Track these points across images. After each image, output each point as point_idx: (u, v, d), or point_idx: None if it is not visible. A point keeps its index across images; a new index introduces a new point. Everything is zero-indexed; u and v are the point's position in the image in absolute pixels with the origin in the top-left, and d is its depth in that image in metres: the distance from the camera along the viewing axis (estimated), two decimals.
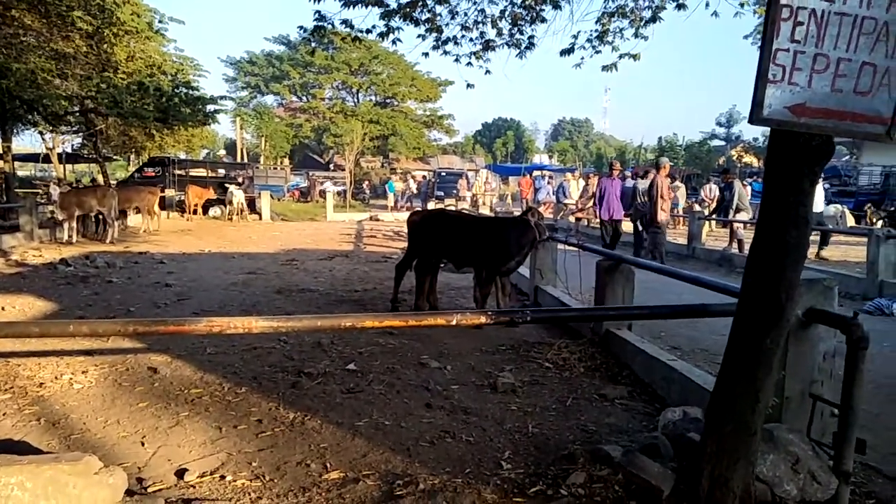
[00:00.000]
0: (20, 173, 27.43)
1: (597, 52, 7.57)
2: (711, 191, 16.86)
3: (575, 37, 7.55)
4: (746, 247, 11.83)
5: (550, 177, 30.00)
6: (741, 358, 2.40)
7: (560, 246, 7.65)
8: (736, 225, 12.21)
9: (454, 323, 3.01)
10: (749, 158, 36.69)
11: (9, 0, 11.94)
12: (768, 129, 2.30)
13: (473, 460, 3.22)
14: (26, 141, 26.65)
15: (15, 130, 20.13)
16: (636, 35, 7.30)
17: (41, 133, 21.20)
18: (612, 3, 7.15)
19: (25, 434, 3.49)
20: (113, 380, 4.42)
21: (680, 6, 6.92)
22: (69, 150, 25.04)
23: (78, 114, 18.96)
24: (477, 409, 3.93)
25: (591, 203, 18.48)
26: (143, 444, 3.39)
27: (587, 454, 3.10)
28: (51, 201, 13.01)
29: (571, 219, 17.52)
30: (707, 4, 6.80)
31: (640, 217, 11.88)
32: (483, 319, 3.13)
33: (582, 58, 7.56)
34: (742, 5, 6.79)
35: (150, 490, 2.89)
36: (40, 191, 15.15)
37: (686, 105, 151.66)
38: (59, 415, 3.77)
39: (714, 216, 13.84)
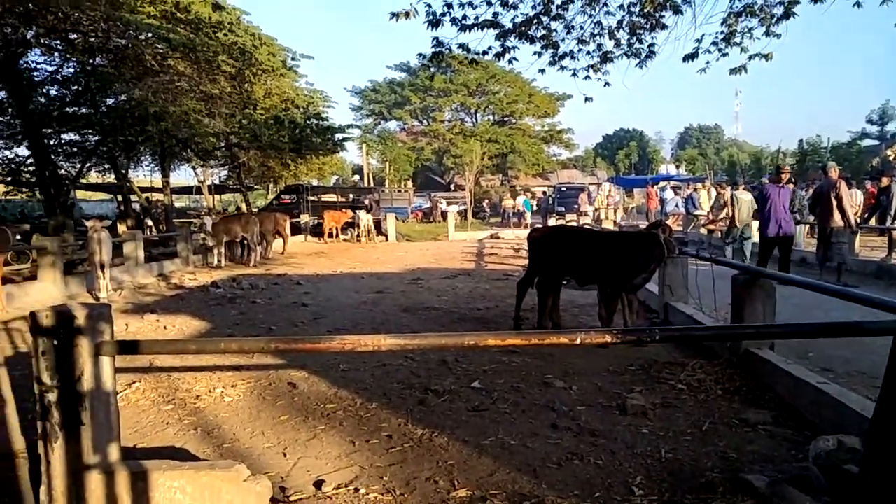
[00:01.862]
0: (177, 204, 30.53)
1: (723, 54, 7.19)
2: (855, 196, 15.23)
3: (699, 41, 7.24)
4: None
5: (675, 187, 28.68)
6: None
7: (691, 260, 7.28)
8: None
9: (578, 342, 2.95)
10: None
11: (165, 50, 13.41)
12: None
13: (603, 484, 3.13)
14: (181, 175, 29.60)
15: (172, 166, 22.50)
16: (767, 34, 6.85)
17: (193, 167, 23.53)
18: (738, 3, 6.77)
19: (185, 442, 3.84)
20: (258, 394, 4.76)
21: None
22: (217, 181, 27.55)
23: (224, 148, 20.85)
24: (605, 432, 3.82)
25: (723, 214, 17.44)
26: (284, 454, 3.62)
27: (727, 483, 2.91)
28: (204, 230, 14.31)
29: (703, 231, 16.61)
30: None
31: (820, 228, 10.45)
32: (608, 338, 3.04)
33: (707, 62, 7.21)
34: None
35: (291, 499, 3.08)
36: (194, 220, 16.72)
37: (829, 103, 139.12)
38: (212, 425, 4.12)
39: (867, 223, 12.50)
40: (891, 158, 32.90)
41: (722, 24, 7.04)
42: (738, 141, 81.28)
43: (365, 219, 22.45)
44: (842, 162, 32.60)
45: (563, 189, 33.64)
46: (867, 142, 43.19)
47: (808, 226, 13.00)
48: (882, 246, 12.31)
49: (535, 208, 32.59)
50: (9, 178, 17.18)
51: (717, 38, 7.15)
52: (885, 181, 11.84)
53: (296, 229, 22.78)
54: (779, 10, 6.73)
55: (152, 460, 2.93)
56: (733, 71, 7.04)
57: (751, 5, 6.80)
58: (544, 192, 39.13)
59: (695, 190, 20.48)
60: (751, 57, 6.96)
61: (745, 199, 13.84)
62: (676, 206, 22.46)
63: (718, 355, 5.22)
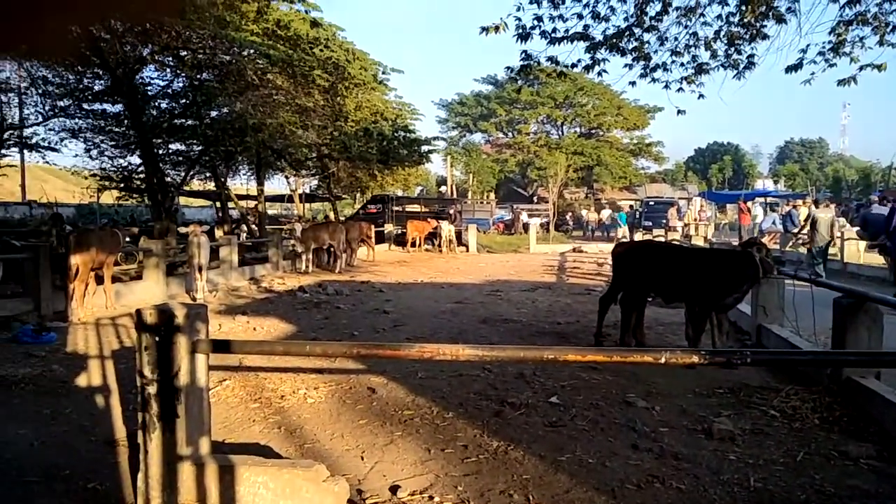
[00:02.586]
0: (270, 212, 31.94)
1: (831, 65, 6.78)
2: None
3: (804, 51, 6.85)
4: None
5: (773, 204, 27.16)
6: None
7: (788, 281, 6.87)
8: None
9: (663, 361, 2.85)
10: None
11: (265, 65, 14.11)
12: None
13: None
14: (275, 184, 30.99)
15: (267, 175, 23.57)
16: (881, 43, 6.40)
17: (286, 177, 24.54)
18: (849, 11, 6.36)
19: (269, 440, 4.00)
20: (338, 397, 4.89)
21: None
22: (307, 191, 28.63)
23: (315, 159, 21.62)
24: (689, 456, 3.66)
25: (796, 230, 16.44)
26: (362, 458, 3.70)
27: None
28: (293, 236, 14.89)
29: (802, 250, 15.66)
30: None
31: None
32: (695, 359, 2.92)
33: (812, 73, 6.82)
34: None
35: (367, 502, 3.14)
36: (285, 227, 17.41)
37: None
38: (295, 425, 4.27)
39: None
40: None
41: (830, 32, 6.64)
42: (844, 156, 76.25)
43: (447, 229, 22.65)
44: None
45: (651, 203, 32.65)
46: None
47: None
48: None
49: (593, 222, 31.74)
50: (122, 185, 18.52)
51: (823, 47, 6.75)
52: None
53: (380, 238, 23.30)
54: (895, 18, 6.29)
55: (239, 455, 3.07)
56: (841, 82, 6.62)
57: (863, 13, 6.37)
58: (631, 206, 38.10)
59: (794, 207, 19.37)
60: (861, 67, 6.52)
61: (824, 217, 12.94)
62: (774, 223, 21.29)
63: (816, 382, 4.90)
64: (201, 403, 2.99)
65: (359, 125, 19.21)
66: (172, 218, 15.84)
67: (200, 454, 2.94)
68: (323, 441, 3.98)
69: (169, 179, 17.81)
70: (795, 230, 17.22)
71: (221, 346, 3.13)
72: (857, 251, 15.50)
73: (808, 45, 6.86)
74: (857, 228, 16.25)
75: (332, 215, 25.34)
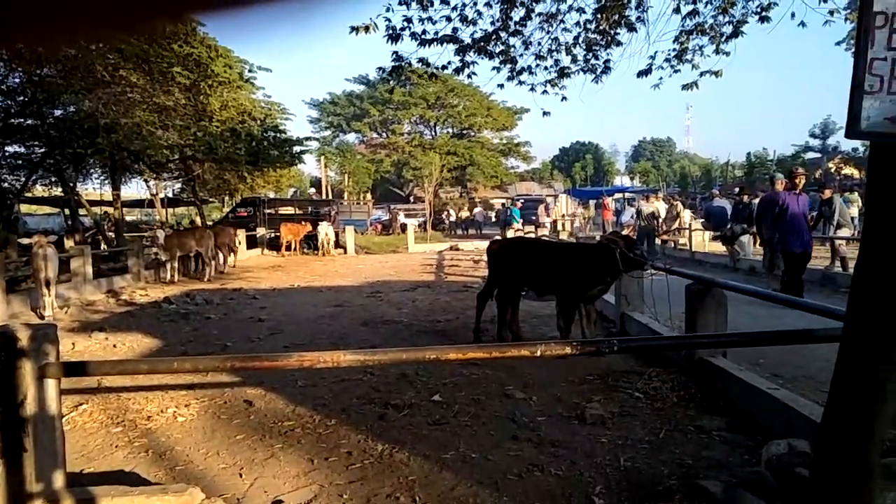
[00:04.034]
0: (128, 218, 29.68)
1: (676, 71, 7.40)
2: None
3: (652, 57, 7.41)
4: (851, 265, 11.02)
5: (628, 199, 29.24)
6: (851, 387, 2.23)
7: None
8: (838, 242, 11.43)
9: (538, 354, 2.97)
10: (849, 170, 34.42)
11: (117, 60, 13.06)
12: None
13: (564, 495, 3.14)
14: (133, 188, 28.83)
15: (123, 179, 21.88)
16: (717, 52, 7.09)
17: (146, 180, 22.89)
18: (689, 22, 6.98)
19: (135, 465, 3.71)
20: (212, 413, 4.63)
21: (763, 18, 6.67)
22: (170, 194, 26.90)
23: (178, 161, 20.38)
24: (565, 442, 3.84)
25: (675, 224, 17.94)
26: (240, 475, 3.52)
27: (684, 489, 2.96)
28: (156, 244, 13.92)
29: (658, 241, 17.02)
30: (793, 15, 6.50)
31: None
32: (568, 350, 3.07)
33: (660, 78, 7.40)
34: (832, 13, 6.44)
35: None
36: (146, 234, 16.24)
37: (775, 117, 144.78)
38: (164, 446, 3.99)
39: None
40: (832, 171, 34.37)
41: (674, 41, 7.25)
42: (689, 154, 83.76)
43: (324, 231, 22.24)
44: (787, 174, 33.90)
45: (522, 201, 34.08)
46: (810, 154, 45.09)
47: (754, 236, 13.44)
48: (825, 255, 12.80)
49: (494, 219, 32.74)
50: None
51: (669, 55, 7.35)
52: (826, 193, 12.31)
53: (252, 243, 22.42)
54: (728, 29, 6.97)
55: (100, 486, 2.81)
56: (685, 87, 7.24)
57: (701, 24, 7.01)
58: (503, 204, 39.47)
59: (644, 201, 20.93)
60: (701, 74, 7.18)
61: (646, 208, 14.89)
62: (632, 216, 22.95)
63: (674, 363, 5.32)
64: (53, 433, 2.70)
65: (225, 125, 18.33)
66: (12, 228, 14.27)
67: (54, 489, 2.66)
68: (197, 461, 3.75)
69: (7, 185, 16.04)
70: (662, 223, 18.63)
71: (75, 369, 2.85)
72: (702, 241, 17.07)
73: (655, 53, 7.44)
74: (702, 220, 17.92)
75: (198, 220, 24.04)
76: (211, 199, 32.13)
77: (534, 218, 27.52)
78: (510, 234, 23.14)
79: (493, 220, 35.66)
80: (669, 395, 4.67)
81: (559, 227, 27.42)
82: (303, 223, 23.29)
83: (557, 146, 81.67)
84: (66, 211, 21.05)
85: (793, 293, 7.99)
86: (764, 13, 6.68)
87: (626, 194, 38.85)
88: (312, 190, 47.32)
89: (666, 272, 6.49)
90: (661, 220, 17.62)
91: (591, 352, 4.91)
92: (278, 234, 22.55)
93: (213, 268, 14.96)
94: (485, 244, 14.32)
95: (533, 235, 20.37)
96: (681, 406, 4.47)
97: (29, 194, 18.54)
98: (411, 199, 48.58)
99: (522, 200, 31.57)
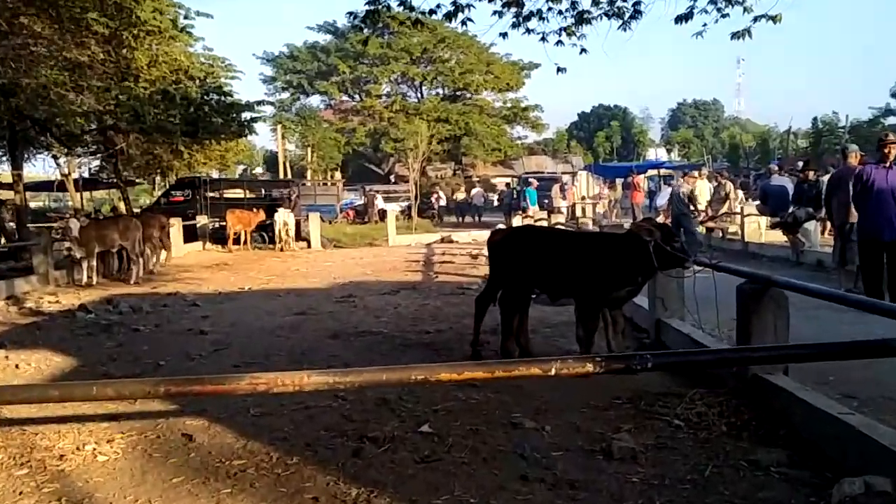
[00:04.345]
0: (32, 204, 29.51)
1: (723, 15, 7.42)
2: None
3: None
4: None
5: (664, 176, 29.34)
6: None
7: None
8: None
9: (553, 373, 2.99)
10: None
11: (16, 5, 12.98)
12: None
13: None
14: (38, 167, 28.68)
15: (26, 156, 21.75)
16: None
17: (55, 157, 22.78)
18: None
19: None
20: (142, 450, 4.62)
21: None
22: (86, 174, 26.76)
23: (96, 132, 20.28)
24: (587, 482, 3.86)
25: (724, 209, 18.00)
26: None
27: None
28: (69, 237, 13.83)
29: (701, 230, 17.11)
30: None
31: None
32: (590, 367, 3.09)
33: (704, 24, 7.45)
34: None
35: None
36: (56, 225, 16.16)
37: (848, 75, 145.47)
38: (82, 493, 3.98)
39: None
40: None
41: None
42: (740, 119, 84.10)
43: (283, 220, 22.20)
44: (863, 144, 34.08)
45: (531, 180, 34.13)
46: (892, 119, 45.23)
47: (822, 222, 13.53)
48: None
49: (496, 203, 32.83)
50: None
51: None
52: None
53: (191, 235, 22.37)
54: None
55: None
56: (735, 35, 7.27)
57: None
58: (507, 185, 39.55)
59: (686, 180, 20.98)
60: (756, 18, 7.19)
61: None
62: (668, 200, 23.05)
63: (722, 383, 5.35)
64: None
65: (155, 86, 18.23)
66: None
67: None
68: None
69: None
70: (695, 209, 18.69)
71: None
72: (757, 229, 17.18)
73: None
74: (758, 202, 18.00)
75: (122, 207, 23.94)
76: (138, 180, 32.03)
77: (546, 201, 27.62)
78: (517, 221, 23.22)
79: (496, 204, 35.80)
80: (717, 423, 4.70)
81: (578, 213, 27.51)
82: (255, 210, 23.26)
83: (576, 111, 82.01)
84: None
85: (873, 293, 8.07)
86: None
87: (662, 171, 39.06)
88: (259, 170, 47.22)
89: (712, 269, 6.52)
90: (705, 204, 17.69)
91: (619, 369, 4.94)
92: (224, 223, 22.51)
93: (140, 267, 14.91)
94: (485, 235, 14.34)
95: (545, 223, 20.41)
96: (731, 436, 4.49)
97: None
98: (392, 178, 48.63)
99: (534, 179, 31.62)
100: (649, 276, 6.39)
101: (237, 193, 27.52)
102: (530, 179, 30.23)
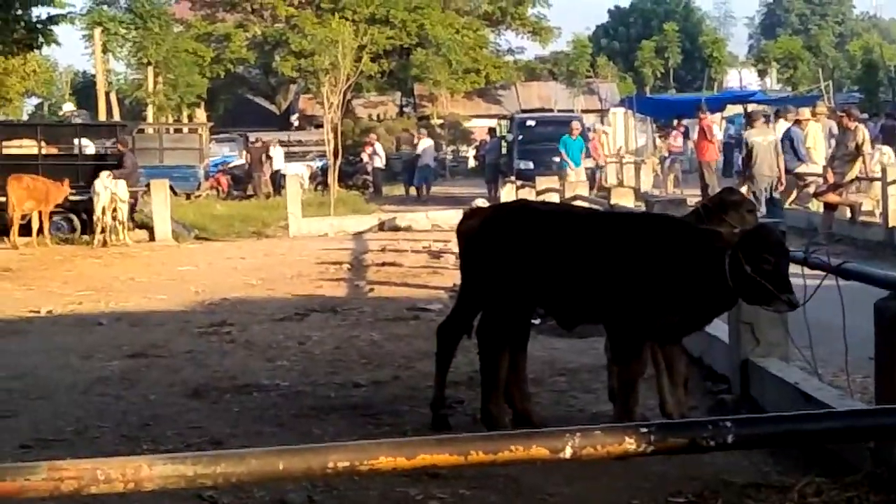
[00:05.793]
0: None
1: None
2: None
3: None
4: None
5: (755, 116, 29.56)
6: None
7: (792, 269, 7.49)
8: None
9: (569, 454, 3.00)
10: None
11: None
12: None
13: None
14: None
15: None
16: None
17: None
18: None
19: None
20: None
21: None
22: None
23: None
24: None
25: (853, 172, 18.18)
26: None
27: None
28: None
29: (813, 206, 17.31)
30: None
31: None
32: (631, 445, 3.10)
33: None
34: None
35: None
36: None
37: None
38: None
39: None
40: None
41: None
42: (878, 21, 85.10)
43: (107, 192, 21.95)
44: None
45: (531, 124, 33.92)
46: None
47: None
48: None
49: (473, 163, 32.94)
50: None
51: None
52: None
53: None
54: None
55: None
56: None
57: None
58: (491, 131, 39.61)
59: (796, 123, 21.14)
60: None
61: (762, 142, 14.81)
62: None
63: (853, 466, 5.42)
64: None
65: None
66: None
67: None
68: None
69: None
70: (802, 167, 18.87)
71: None
72: None
73: None
74: None
75: None
76: None
77: (556, 159, 27.50)
78: (506, 194, 23.04)
79: (471, 164, 35.85)
80: None
81: (611, 179, 27.56)
82: (60, 182, 22.97)
83: (606, 5, 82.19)
84: None
85: None
86: None
87: (752, 106, 39.19)
88: (67, 107, 46.76)
89: (835, 274, 6.58)
90: (823, 164, 17.85)
91: (681, 446, 4.99)
92: (2, 199, 22.28)
93: None
94: (452, 218, 14.26)
95: (556, 198, 20.35)
96: None
97: None
98: (295, 120, 48.47)
99: (533, 122, 31.73)
100: (726, 303, 6.38)
101: (26, 148, 27.12)
102: (573, 121, 28.74)
